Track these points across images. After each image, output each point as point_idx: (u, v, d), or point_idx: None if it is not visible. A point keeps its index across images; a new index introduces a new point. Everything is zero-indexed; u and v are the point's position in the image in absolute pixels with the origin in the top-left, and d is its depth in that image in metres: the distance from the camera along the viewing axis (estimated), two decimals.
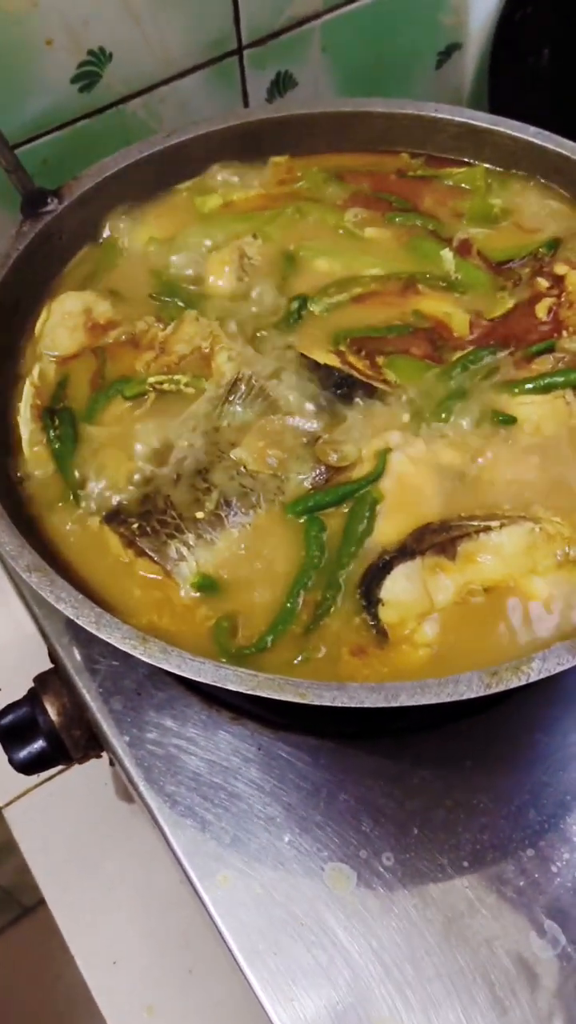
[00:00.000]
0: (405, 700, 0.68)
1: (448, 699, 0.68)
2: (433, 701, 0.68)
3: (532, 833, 0.87)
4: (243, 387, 0.88)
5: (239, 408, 0.88)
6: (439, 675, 0.70)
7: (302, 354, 0.91)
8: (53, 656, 1.01)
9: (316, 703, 0.68)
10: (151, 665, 0.71)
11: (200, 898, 0.85)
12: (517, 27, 1.37)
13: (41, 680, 0.98)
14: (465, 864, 0.85)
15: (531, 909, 0.83)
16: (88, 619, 0.72)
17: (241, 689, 0.69)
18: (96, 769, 1.15)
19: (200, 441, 0.86)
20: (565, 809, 0.88)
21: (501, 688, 0.68)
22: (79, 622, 0.72)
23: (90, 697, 0.95)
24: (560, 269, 0.99)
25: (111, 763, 1.02)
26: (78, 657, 0.97)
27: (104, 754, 1.02)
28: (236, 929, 0.82)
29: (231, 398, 0.88)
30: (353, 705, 0.68)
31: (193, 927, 1.10)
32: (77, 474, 0.86)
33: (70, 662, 0.97)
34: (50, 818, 1.19)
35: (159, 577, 0.81)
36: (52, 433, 0.88)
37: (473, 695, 0.68)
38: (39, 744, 0.97)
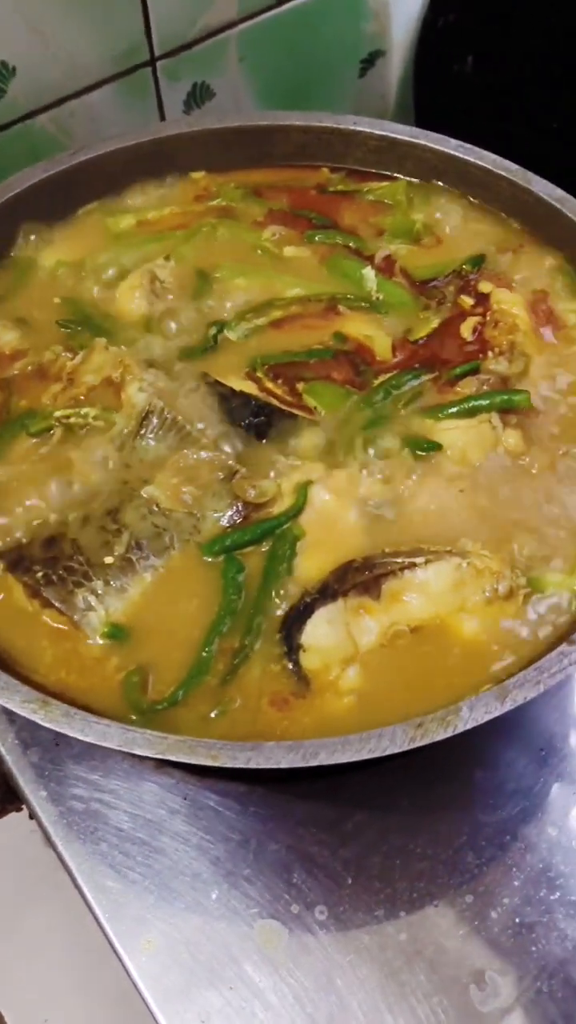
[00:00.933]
0: (325, 759, 0.64)
1: (370, 755, 0.64)
2: (354, 759, 0.64)
3: (471, 877, 0.83)
4: (155, 419, 0.83)
5: (151, 442, 0.83)
6: (365, 723, 0.67)
7: (217, 382, 0.87)
8: None
9: (229, 765, 0.63)
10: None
11: (123, 965, 0.80)
12: (440, 34, 1.34)
13: None
14: (402, 914, 0.81)
15: (471, 960, 0.79)
16: None
17: (149, 754, 0.64)
18: (20, 815, 1.10)
19: (110, 479, 0.81)
20: (503, 850, 0.84)
21: (427, 741, 0.64)
22: None
23: (5, 749, 0.90)
24: (485, 287, 0.96)
25: (30, 816, 0.96)
26: None
27: (24, 807, 0.96)
28: (162, 997, 0.78)
29: (142, 432, 0.83)
30: (269, 766, 0.64)
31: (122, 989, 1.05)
32: None
33: None
34: None
35: (67, 628, 0.76)
36: None
37: (397, 750, 0.64)
38: None
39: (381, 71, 1.42)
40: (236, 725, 0.71)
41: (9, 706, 0.66)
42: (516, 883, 0.83)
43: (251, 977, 0.79)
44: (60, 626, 0.76)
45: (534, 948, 0.80)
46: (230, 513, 0.80)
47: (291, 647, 0.74)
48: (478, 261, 0.98)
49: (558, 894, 0.82)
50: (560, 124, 1.29)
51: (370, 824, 0.85)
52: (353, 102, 1.43)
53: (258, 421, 0.85)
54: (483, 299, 0.95)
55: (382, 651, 0.74)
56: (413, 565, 0.77)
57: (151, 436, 0.83)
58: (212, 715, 0.71)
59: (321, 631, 0.74)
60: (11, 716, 0.91)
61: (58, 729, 0.66)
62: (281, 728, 0.71)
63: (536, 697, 0.70)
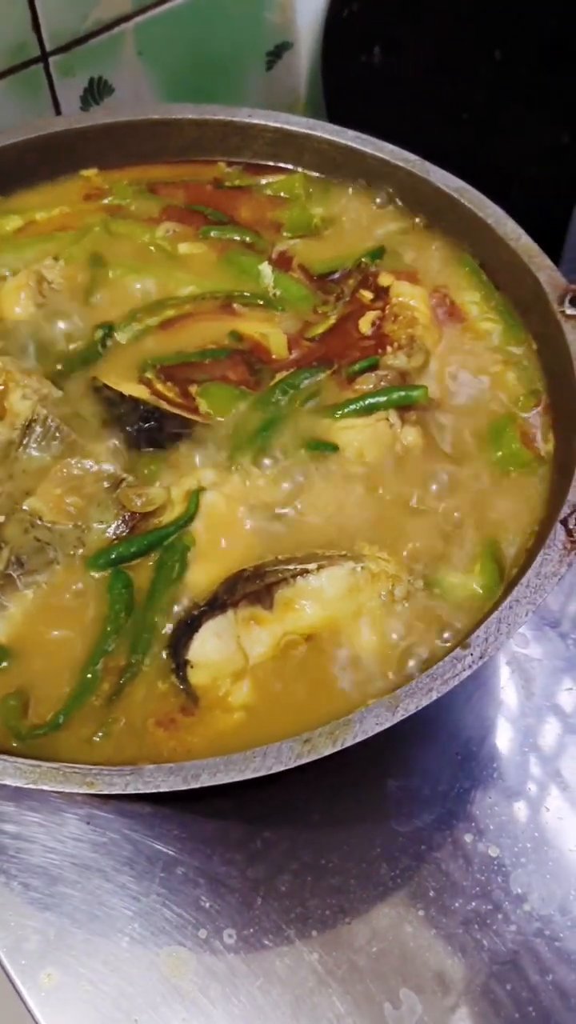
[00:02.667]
0: (206, 780, 0.60)
1: (254, 775, 0.61)
2: (238, 779, 0.61)
3: (385, 891, 0.80)
4: (38, 428, 0.80)
5: (33, 451, 0.79)
6: (257, 739, 0.64)
7: (105, 386, 0.83)
8: None
9: (106, 792, 0.60)
10: None
11: (23, 1001, 0.76)
12: (347, 24, 1.31)
13: None
14: (313, 933, 0.78)
15: (385, 978, 0.76)
16: None
17: (20, 783, 0.60)
18: None
19: None
20: (418, 860, 0.82)
21: (314, 757, 0.61)
22: None
23: None
24: (385, 280, 0.94)
25: None
26: None
27: None
28: None
29: (24, 441, 0.79)
30: (148, 791, 0.60)
31: None
32: None
33: None
34: None
35: None
36: None
37: (283, 767, 0.61)
38: None
39: (288, 63, 1.39)
40: (121, 747, 0.67)
41: None
42: (431, 894, 0.80)
43: (157, 1007, 0.75)
44: None
45: (450, 961, 0.77)
46: (116, 524, 0.76)
47: (178, 663, 0.70)
48: (377, 254, 0.95)
49: (474, 904, 0.80)
50: (469, 113, 1.27)
51: (279, 842, 0.82)
52: (262, 96, 1.39)
53: (148, 427, 0.81)
54: (383, 293, 0.92)
55: (274, 663, 0.71)
56: (306, 571, 0.74)
57: (33, 445, 0.79)
58: (96, 738, 0.67)
59: (210, 645, 0.71)
60: None
61: None
62: (168, 748, 0.67)
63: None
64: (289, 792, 0.84)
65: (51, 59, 1.13)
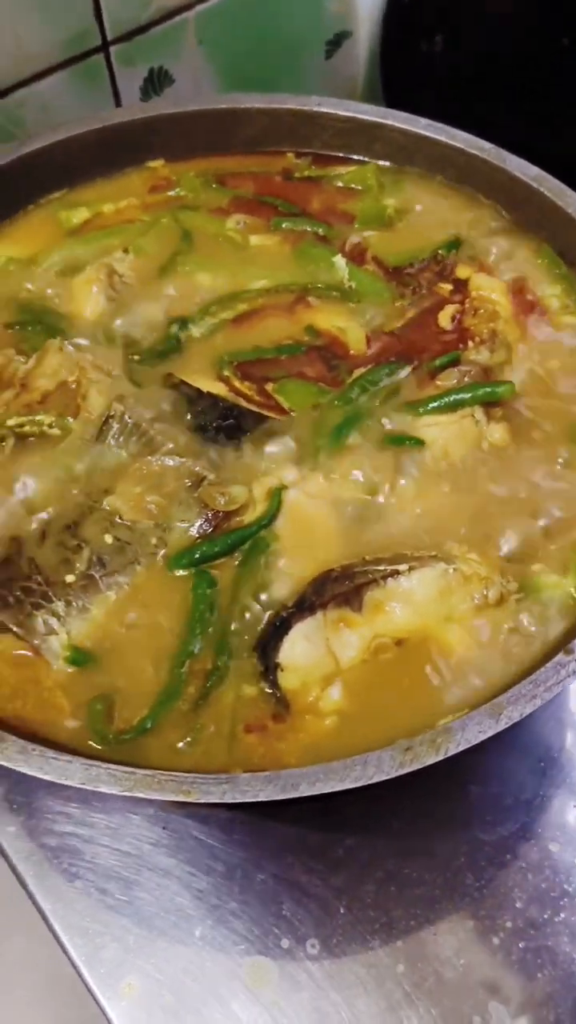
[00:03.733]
0: (306, 790, 0.58)
1: (355, 784, 0.59)
2: (338, 788, 0.58)
3: (471, 901, 0.78)
4: (116, 425, 0.78)
5: (112, 449, 0.77)
6: (349, 746, 0.63)
7: (182, 382, 0.81)
8: None
9: (203, 801, 0.58)
10: None
11: (103, 1010, 0.74)
12: (408, 12, 1.28)
13: None
14: (399, 944, 0.76)
15: (473, 991, 0.74)
16: None
17: (114, 791, 0.59)
18: None
19: (68, 491, 0.75)
20: (504, 869, 0.79)
21: (416, 767, 0.59)
22: None
23: None
24: (463, 272, 0.91)
25: None
26: None
27: None
28: None
29: (103, 438, 0.77)
30: (247, 800, 0.58)
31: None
32: None
33: None
34: None
35: (27, 654, 0.70)
36: None
37: (384, 777, 0.59)
38: None
39: (348, 52, 1.36)
40: (210, 754, 0.65)
41: None
42: (519, 905, 0.78)
43: (240, 1018, 0.73)
44: (20, 652, 0.71)
45: (540, 975, 0.75)
46: (199, 523, 0.74)
47: (268, 667, 0.68)
48: (454, 245, 0.93)
49: (563, 915, 0.77)
50: (533, 103, 1.23)
51: (361, 850, 0.80)
52: (319, 85, 1.37)
53: (227, 424, 0.79)
54: (461, 286, 0.90)
55: (365, 667, 0.69)
56: (396, 573, 0.72)
57: (112, 443, 0.77)
58: (182, 744, 0.66)
59: (299, 648, 0.69)
60: None
61: (13, 767, 0.60)
62: (258, 755, 0.65)
63: None
64: (369, 801, 0.82)
65: (112, 48, 1.11)
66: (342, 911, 0.78)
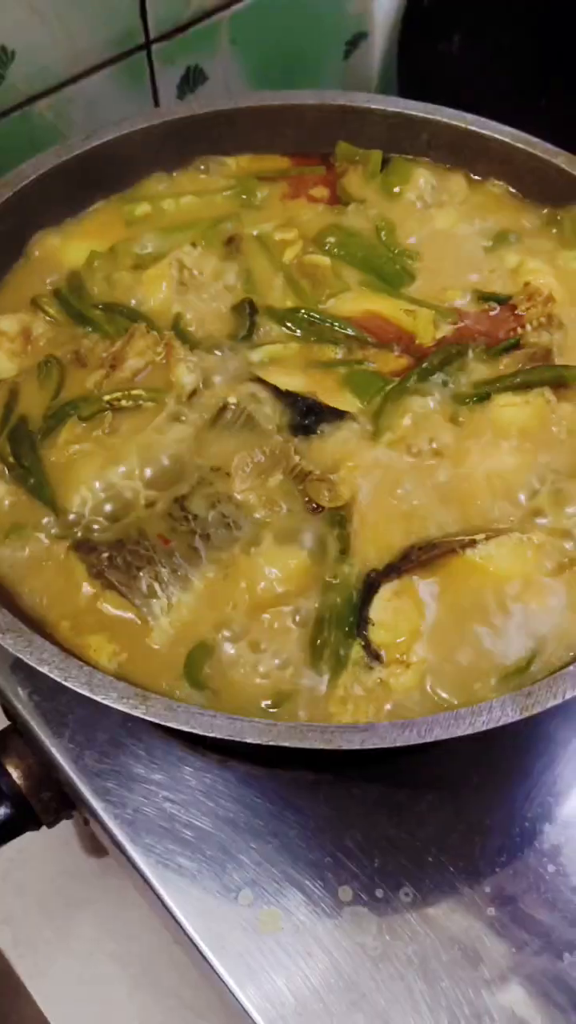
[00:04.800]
0: (440, 734, 0.63)
1: (484, 727, 0.63)
2: (468, 732, 0.63)
3: (550, 846, 0.83)
4: (229, 413, 0.82)
5: (224, 434, 0.82)
6: (436, 696, 0.69)
7: (259, 379, 0.85)
8: (10, 712, 0.92)
9: (346, 747, 0.62)
10: (124, 712, 0.64)
11: (212, 967, 0.78)
12: (427, 13, 1.33)
13: None
14: (487, 890, 0.81)
15: (560, 929, 0.79)
16: (78, 681, 0.64)
17: (259, 741, 0.63)
18: (57, 827, 1.06)
19: (179, 467, 0.79)
20: None
21: (538, 710, 0.64)
22: (67, 684, 0.65)
23: (59, 754, 0.87)
24: (512, 259, 0.96)
25: (84, 822, 0.93)
26: (41, 711, 0.89)
27: (75, 813, 0.94)
28: (256, 997, 0.76)
29: (219, 423, 0.82)
30: (385, 745, 0.62)
31: (186, 983, 1.03)
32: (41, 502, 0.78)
33: (32, 718, 0.89)
34: (10, 887, 1.09)
35: (128, 615, 0.74)
36: (11, 460, 0.79)
37: (510, 720, 0.64)
38: (3, 812, 0.88)
39: (365, 53, 1.41)
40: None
41: (107, 702, 0.64)
42: None
43: (342, 964, 0.77)
44: (121, 613, 0.74)
45: None
46: (303, 510, 0.78)
47: (361, 620, 0.73)
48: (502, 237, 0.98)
49: None
50: (552, 103, 1.29)
51: (443, 803, 0.85)
52: (337, 85, 1.42)
53: (307, 422, 0.83)
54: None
55: (449, 624, 0.74)
56: (474, 542, 0.77)
57: (225, 428, 0.81)
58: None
59: (389, 605, 0.74)
60: (61, 721, 0.88)
61: (161, 722, 0.63)
62: (346, 707, 0.70)
63: None
64: (442, 758, 0.87)
65: (154, 47, 1.14)
66: (430, 860, 0.82)
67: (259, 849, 0.82)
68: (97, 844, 0.92)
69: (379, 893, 0.81)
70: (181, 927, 0.80)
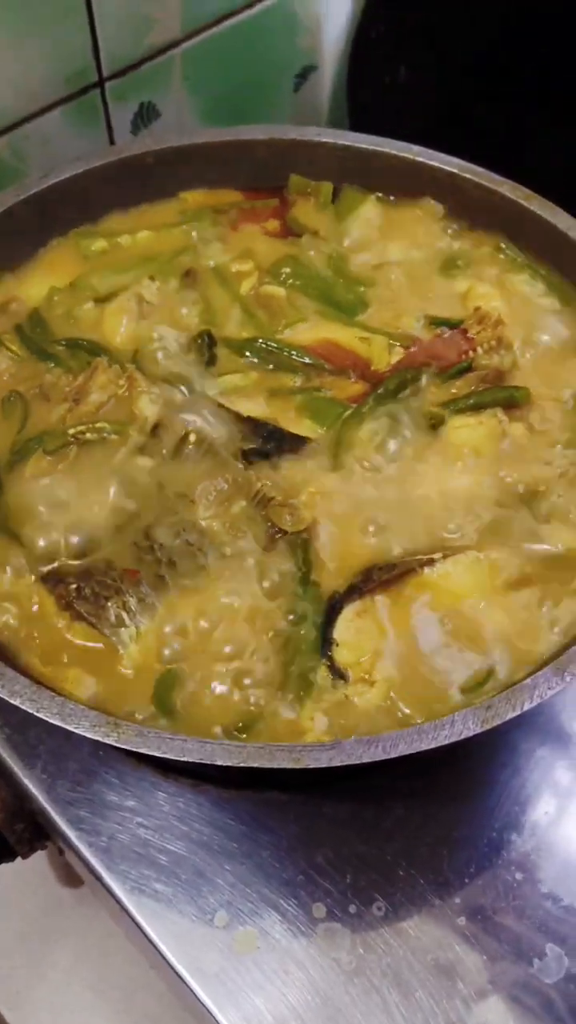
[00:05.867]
0: (404, 749, 0.65)
1: (447, 741, 0.65)
2: (431, 746, 0.65)
3: (517, 855, 0.85)
4: (191, 442, 0.84)
5: (186, 463, 0.84)
6: (400, 712, 0.72)
7: (221, 406, 0.87)
8: None
9: (313, 766, 0.64)
10: (95, 741, 0.65)
11: (191, 990, 0.79)
12: (372, 45, 1.37)
13: None
14: (457, 901, 0.83)
15: (530, 936, 0.81)
16: (50, 711, 0.66)
17: (229, 763, 0.64)
18: (31, 859, 1.06)
19: (145, 497, 0.81)
20: (546, 824, 0.87)
21: (498, 722, 0.66)
22: (39, 715, 0.66)
23: (32, 785, 0.88)
24: (462, 284, 0.99)
25: (59, 852, 0.94)
26: (12, 743, 0.89)
27: (49, 844, 0.94)
28: (236, 1018, 0.77)
29: (179, 455, 0.84)
30: (351, 762, 0.64)
31: (165, 1008, 1.03)
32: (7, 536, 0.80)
33: (4, 750, 0.89)
34: None
35: (98, 644, 0.75)
36: None
37: (472, 733, 0.66)
38: None
39: (314, 85, 1.44)
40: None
41: (79, 731, 0.65)
42: (563, 857, 0.85)
43: (319, 985, 0.79)
44: (91, 644, 0.76)
45: None
46: (264, 535, 0.80)
47: (325, 641, 0.75)
48: (450, 263, 1.01)
49: None
50: (496, 129, 1.33)
51: (411, 818, 0.87)
52: (288, 117, 1.45)
53: (269, 447, 0.85)
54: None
55: (412, 642, 0.76)
56: (432, 561, 0.79)
57: (187, 458, 0.83)
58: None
59: (351, 626, 0.76)
60: (32, 753, 0.89)
61: (133, 748, 0.65)
62: (312, 726, 0.72)
63: None
64: (412, 774, 0.89)
65: (107, 84, 1.17)
66: (401, 874, 0.84)
67: (233, 871, 0.84)
68: (72, 875, 0.93)
69: (352, 909, 0.82)
70: (158, 951, 0.81)
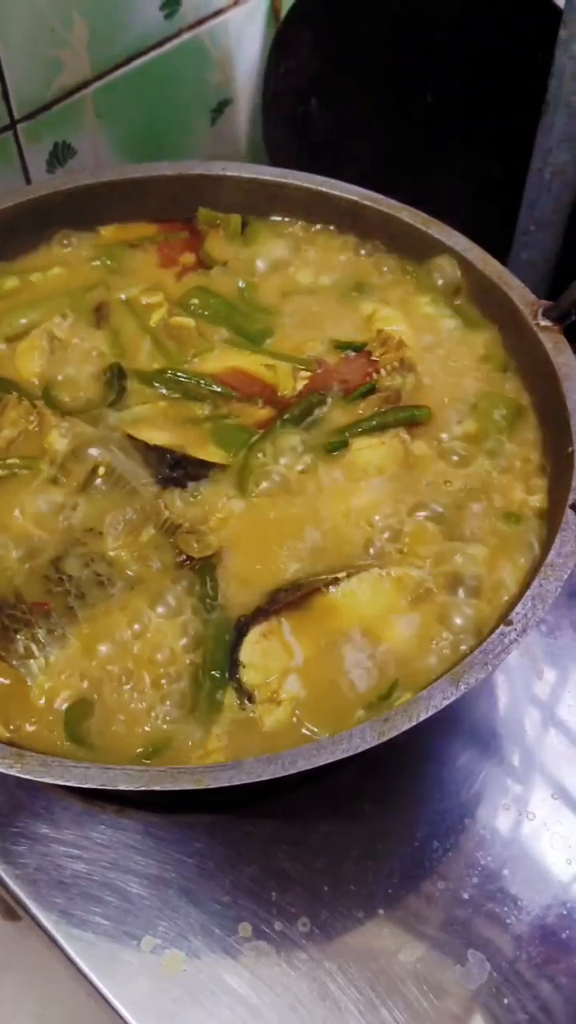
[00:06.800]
0: (303, 765, 0.66)
1: (344, 755, 0.67)
2: (330, 760, 0.67)
3: (440, 865, 0.87)
4: (100, 475, 0.85)
5: (95, 495, 0.85)
6: (306, 729, 0.74)
7: (129, 436, 0.89)
8: None
9: (214, 786, 0.65)
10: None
11: (120, 1016, 0.80)
12: (282, 79, 1.41)
13: None
14: (380, 912, 0.84)
15: (452, 943, 0.83)
16: None
17: (132, 787, 0.65)
18: None
19: (53, 529, 0.83)
20: (465, 832, 0.89)
21: (395, 734, 0.68)
22: None
23: None
24: (366, 308, 1.02)
25: None
26: None
27: None
28: None
29: (88, 486, 0.85)
30: (251, 780, 0.66)
31: None
32: None
33: None
34: None
35: (5, 680, 0.76)
36: None
37: (368, 746, 0.67)
38: None
39: (230, 118, 1.48)
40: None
41: None
42: (483, 862, 0.87)
43: (247, 1000, 0.80)
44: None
45: (509, 921, 0.84)
46: (173, 562, 0.82)
47: (232, 663, 0.77)
48: (357, 288, 1.04)
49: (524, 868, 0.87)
50: (405, 155, 1.38)
51: (335, 833, 0.88)
52: (207, 150, 1.48)
53: (176, 474, 0.87)
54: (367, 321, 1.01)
55: (317, 660, 0.78)
56: (337, 580, 0.81)
57: (96, 490, 0.85)
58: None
59: (258, 647, 0.78)
60: None
61: (37, 779, 0.66)
62: (220, 747, 0.74)
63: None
64: (337, 788, 0.91)
65: (19, 126, 1.19)
66: (326, 889, 0.85)
67: (159, 894, 0.84)
68: (10, 908, 0.93)
69: (278, 926, 0.83)
70: (87, 979, 0.82)
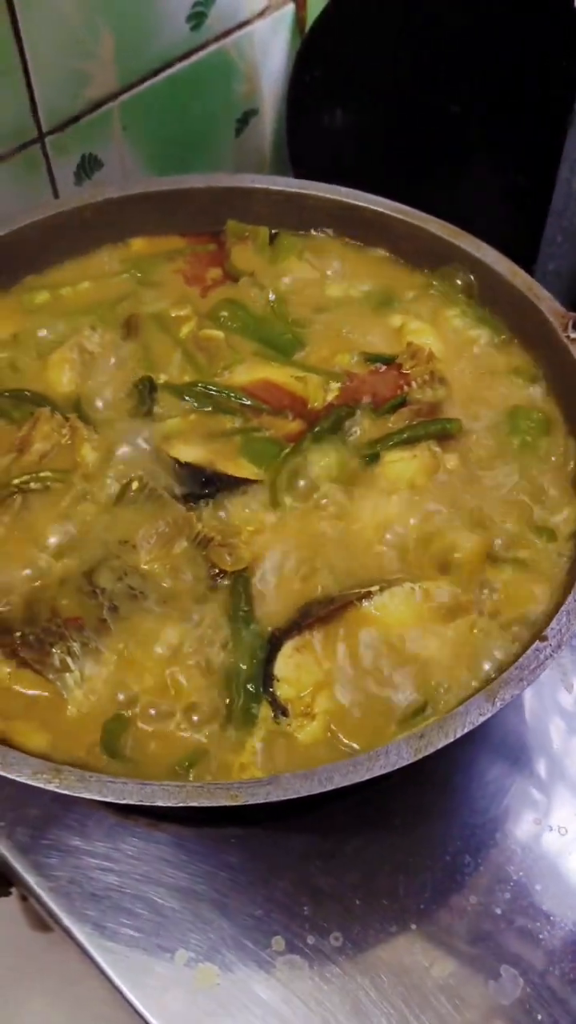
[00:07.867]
0: (340, 782, 0.66)
1: (381, 772, 0.67)
2: (366, 777, 0.67)
3: (471, 879, 0.87)
4: (134, 489, 0.86)
5: (130, 508, 0.85)
6: (341, 744, 0.74)
7: (163, 450, 0.89)
8: None
9: (251, 803, 0.65)
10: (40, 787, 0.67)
11: (145, 1021, 0.80)
12: (308, 89, 1.41)
13: None
14: (413, 927, 0.84)
15: (483, 959, 0.83)
16: None
17: (169, 803, 0.65)
18: (2, 905, 1.07)
19: (87, 543, 0.83)
20: (496, 847, 0.89)
21: (431, 751, 0.68)
22: None
23: None
24: (395, 321, 1.02)
25: (23, 898, 0.95)
26: None
27: (13, 890, 0.95)
28: None
29: (123, 500, 0.86)
30: (288, 797, 0.66)
31: None
32: None
33: None
34: None
35: (44, 692, 0.77)
36: None
37: (405, 763, 0.67)
38: None
39: (256, 129, 1.48)
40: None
41: (20, 779, 0.67)
42: (515, 877, 0.87)
43: (280, 1012, 0.80)
44: (36, 692, 0.77)
45: (542, 936, 0.84)
46: (206, 575, 0.82)
47: (267, 677, 0.77)
48: (384, 300, 1.04)
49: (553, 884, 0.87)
50: (430, 166, 1.37)
51: (368, 847, 0.88)
52: (231, 161, 1.48)
53: (208, 491, 0.87)
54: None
55: (351, 674, 0.78)
56: (369, 594, 0.81)
57: (128, 503, 0.85)
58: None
59: (291, 661, 0.78)
60: None
61: (74, 794, 0.66)
62: (255, 760, 0.74)
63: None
64: (367, 803, 0.90)
65: (47, 139, 1.19)
66: (359, 904, 0.85)
67: (192, 908, 0.85)
68: (42, 919, 0.93)
69: (311, 940, 0.83)
70: (119, 991, 0.82)
